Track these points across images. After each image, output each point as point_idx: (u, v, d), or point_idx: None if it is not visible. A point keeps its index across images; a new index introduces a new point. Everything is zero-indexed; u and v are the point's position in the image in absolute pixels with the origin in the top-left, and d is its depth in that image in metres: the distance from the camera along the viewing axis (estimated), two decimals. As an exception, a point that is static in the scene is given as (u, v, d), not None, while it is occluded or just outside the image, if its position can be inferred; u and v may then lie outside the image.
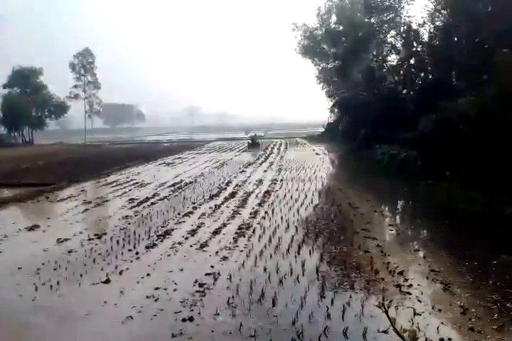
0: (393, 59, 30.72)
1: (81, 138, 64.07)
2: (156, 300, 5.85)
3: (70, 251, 8.15)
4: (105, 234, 9.44)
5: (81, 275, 6.90)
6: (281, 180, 17.02)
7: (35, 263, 7.45)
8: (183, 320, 5.23)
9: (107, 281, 6.60)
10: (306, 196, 13.14)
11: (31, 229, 10.08)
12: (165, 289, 6.21)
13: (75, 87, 62.64)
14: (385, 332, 4.70)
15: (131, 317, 5.36)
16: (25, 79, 57.92)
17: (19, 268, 7.28)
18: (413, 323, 4.91)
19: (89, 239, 8.99)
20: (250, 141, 38.33)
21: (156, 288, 6.22)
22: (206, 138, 61.89)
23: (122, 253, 7.97)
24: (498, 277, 6.30)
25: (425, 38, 26.16)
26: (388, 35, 29.48)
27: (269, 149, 35.67)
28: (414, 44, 26.56)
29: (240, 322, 5.07)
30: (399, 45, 28.75)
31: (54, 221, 11.16)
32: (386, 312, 1.88)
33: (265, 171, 20.37)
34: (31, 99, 57.80)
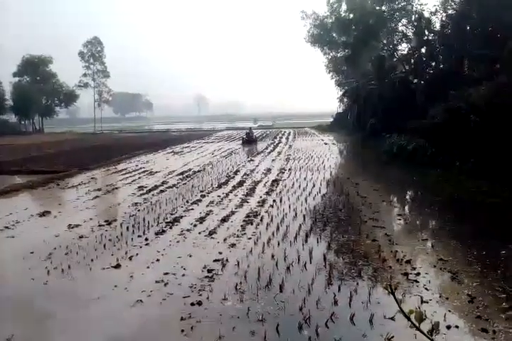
0: (404, 48, 30.17)
1: (90, 127, 64.44)
2: (165, 285, 5.94)
3: (80, 237, 8.28)
4: (115, 220, 9.56)
5: (92, 260, 7.02)
6: (290, 169, 17.01)
7: (46, 248, 7.59)
8: (192, 304, 5.31)
9: (117, 266, 6.71)
10: (314, 185, 13.14)
11: (43, 215, 10.24)
12: (174, 274, 6.30)
13: (85, 75, 62.66)
14: (392, 318, 4.74)
15: (141, 300, 5.46)
16: (35, 67, 58.13)
17: (31, 252, 7.42)
18: (420, 310, 4.93)
19: (100, 225, 9.11)
20: (245, 136, 32.21)
21: (166, 273, 6.31)
22: (215, 128, 61.94)
23: (132, 239, 8.08)
24: (506, 267, 6.29)
25: (437, 26, 25.67)
26: (399, 24, 28.90)
27: (278, 139, 35.58)
28: (426, 32, 26.07)
29: (247, 307, 5.14)
30: (410, 33, 28.20)
31: (65, 207, 11.31)
32: (393, 293, 1.89)
33: (273, 160, 20.37)
34: (41, 87, 58.07)
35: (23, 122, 59.36)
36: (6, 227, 9.10)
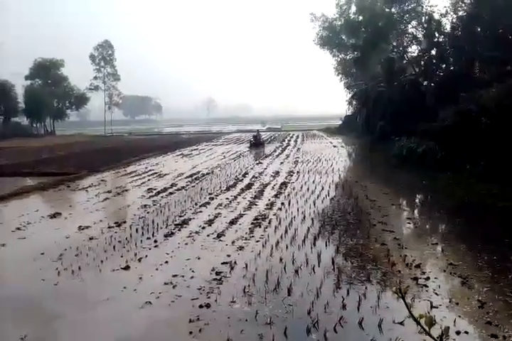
0: (414, 50, 30.04)
1: (101, 129, 65.07)
2: (173, 287, 5.97)
3: (90, 239, 8.35)
4: (125, 222, 9.63)
5: (101, 261, 7.08)
6: (298, 172, 17.00)
7: (57, 250, 7.67)
8: (200, 306, 5.33)
9: (127, 268, 6.76)
10: (322, 188, 13.11)
11: (53, 216, 10.35)
12: (182, 276, 6.33)
13: (95, 78, 63.39)
14: (401, 323, 4.71)
15: (149, 302, 5.50)
16: (46, 70, 58.86)
17: (42, 253, 7.50)
18: (429, 315, 4.89)
19: (109, 227, 9.19)
20: (253, 140, 31.73)
21: (174, 275, 6.35)
22: (223, 130, 62.13)
23: (141, 241, 8.13)
24: (517, 271, 6.21)
25: (447, 28, 25.50)
26: (409, 26, 28.80)
27: (286, 141, 35.58)
28: (436, 34, 25.90)
29: (255, 310, 5.14)
30: (420, 35, 28.06)
31: (75, 209, 11.42)
32: (403, 298, 1.88)
33: (282, 163, 20.36)
34: (52, 90, 58.76)
35: (34, 125, 60.11)
36: (18, 229, 9.22)
